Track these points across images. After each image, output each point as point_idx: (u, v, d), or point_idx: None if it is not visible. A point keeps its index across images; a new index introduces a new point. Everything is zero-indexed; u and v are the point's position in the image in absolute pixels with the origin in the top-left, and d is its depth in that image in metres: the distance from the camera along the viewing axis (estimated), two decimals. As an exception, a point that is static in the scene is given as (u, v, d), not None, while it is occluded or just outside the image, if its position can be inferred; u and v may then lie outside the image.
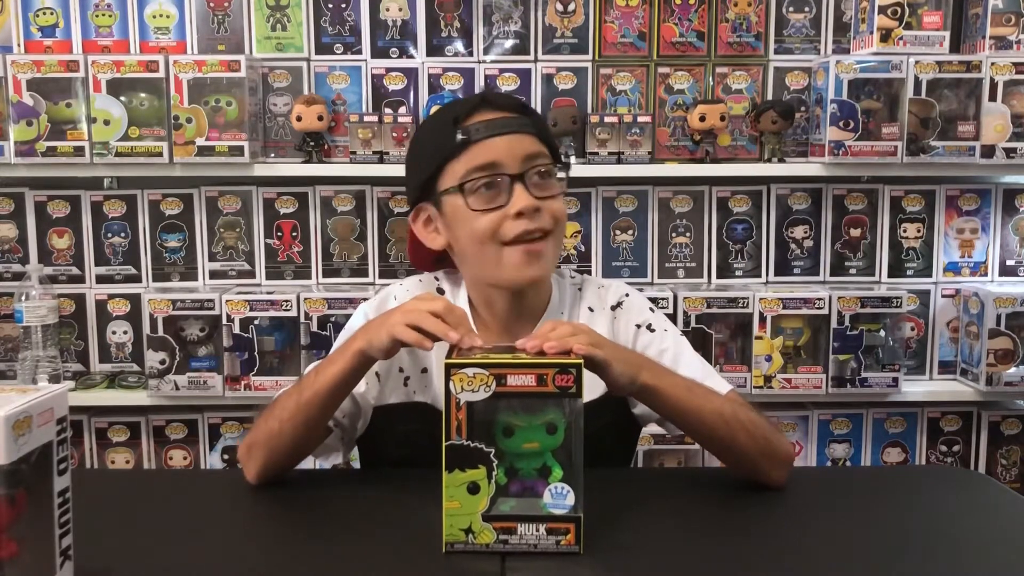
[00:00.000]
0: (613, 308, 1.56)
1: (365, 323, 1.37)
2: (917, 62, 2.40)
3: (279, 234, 2.58)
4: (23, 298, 2.39)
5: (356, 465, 1.69)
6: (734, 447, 1.35)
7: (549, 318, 1.50)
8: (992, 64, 2.41)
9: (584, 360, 1.12)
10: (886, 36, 2.40)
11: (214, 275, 2.59)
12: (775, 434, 1.39)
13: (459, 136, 1.41)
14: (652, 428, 2.38)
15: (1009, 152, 2.43)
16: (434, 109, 1.67)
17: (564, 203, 1.47)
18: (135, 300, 2.56)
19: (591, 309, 1.56)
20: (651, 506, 1.30)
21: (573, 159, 2.49)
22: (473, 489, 1.09)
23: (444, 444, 1.08)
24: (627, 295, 1.59)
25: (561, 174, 1.47)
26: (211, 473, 2.33)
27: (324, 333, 2.42)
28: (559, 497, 1.11)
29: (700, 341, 2.45)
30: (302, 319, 2.43)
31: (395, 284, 1.60)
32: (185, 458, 2.57)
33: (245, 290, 2.50)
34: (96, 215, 2.57)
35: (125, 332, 2.58)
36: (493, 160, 1.40)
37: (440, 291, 1.55)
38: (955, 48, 2.53)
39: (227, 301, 2.42)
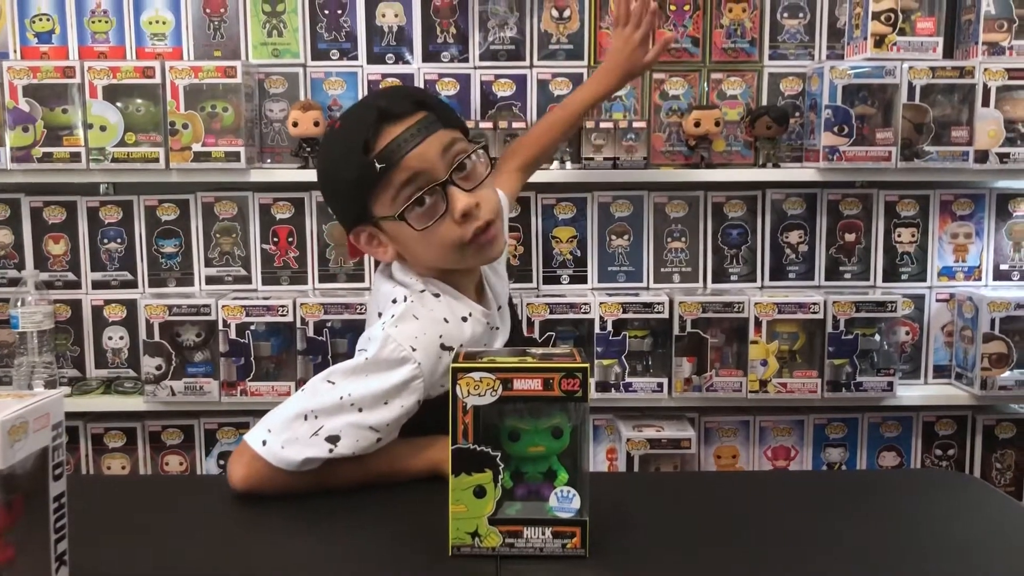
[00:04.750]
0: None
1: None
2: (911, 68, 2.38)
3: (275, 239, 2.55)
4: (19, 304, 2.36)
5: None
6: None
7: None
8: (985, 70, 2.39)
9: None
10: (880, 42, 2.39)
11: (210, 280, 2.56)
12: None
13: (377, 166, 1.37)
14: (647, 433, 2.39)
15: (1002, 157, 2.41)
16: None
17: (494, 190, 1.49)
18: (131, 306, 2.53)
19: None
20: (656, 510, 1.28)
21: (569, 164, 2.47)
22: (479, 493, 1.07)
23: (450, 448, 1.06)
24: None
25: (484, 162, 1.47)
26: (207, 479, 2.30)
27: (320, 338, 2.40)
28: (565, 501, 1.09)
29: (696, 346, 2.44)
30: (298, 324, 2.40)
31: (415, 306, 1.41)
32: (181, 464, 2.54)
33: (241, 295, 2.47)
34: (92, 221, 2.54)
35: (121, 338, 2.55)
36: (418, 171, 1.38)
37: (436, 295, 1.46)
38: (948, 54, 2.51)
39: (223, 306, 2.39)
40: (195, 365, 2.44)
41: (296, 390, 2.26)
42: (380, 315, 1.44)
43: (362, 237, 1.48)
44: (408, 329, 1.36)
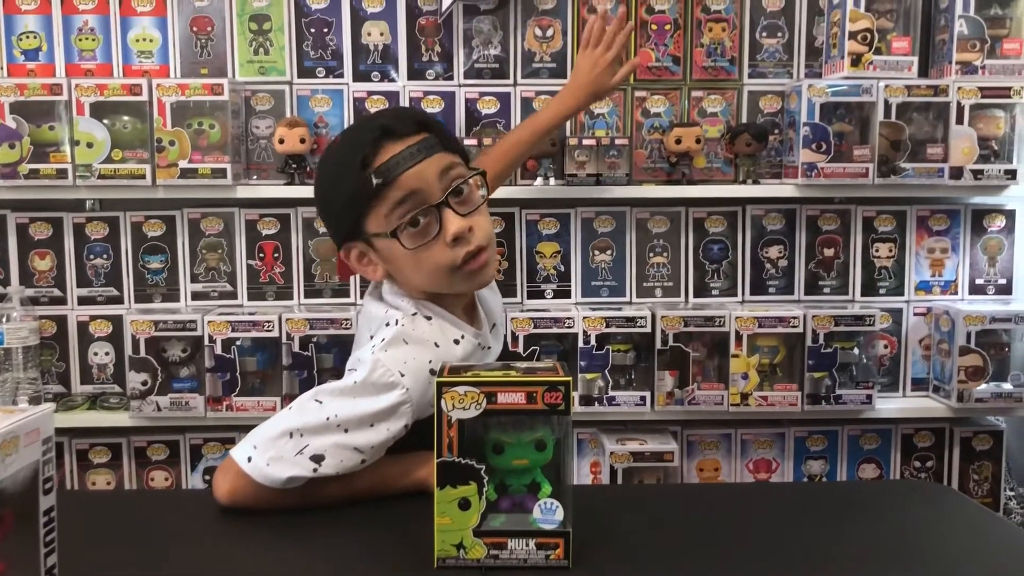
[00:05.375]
0: None
1: None
2: (887, 86, 2.41)
3: (261, 255, 2.56)
4: (4, 320, 2.36)
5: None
6: None
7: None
8: (959, 88, 2.43)
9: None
10: (856, 61, 2.42)
11: (196, 296, 2.56)
12: None
13: (374, 181, 1.36)
14: (632, 447, 2.40)
15: (976, 174, 2.45)
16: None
17: (488, 218, 1.48)
18: (117, 321, 2.52)
19: None
20: (639, 521, 1.29)
21: (552, 180, 2.48)
22: (464, 505, 1.08)
23: (435, 461, 1.07)
24: None
25: (482, 191, 1.47)
26: (193, 493, 2.29)
27: (306, 353, 2.40)
28: (548, 513, 1.10)
29: (678, 359, 2.45)
30: (284, 340, 2.40)
31: (407, 329, 1.40)
32: (167, 479, 2.53)
33: (227, 311, 2.47)
34: (78, 237, 2.54)
35: (107, 353, 2.55)
36: (413, 190, 1.38)
37: (428, 317, 1.45)
38: (923, 73, 2.55)
39: (209, 322, 2.39)
40: (181, 380, 2.44)
41: (282, 405, 2.29)
42: (371, 337, 1.43)
43: (352, 254, 1.47)
44: (398, 354, 1.36)
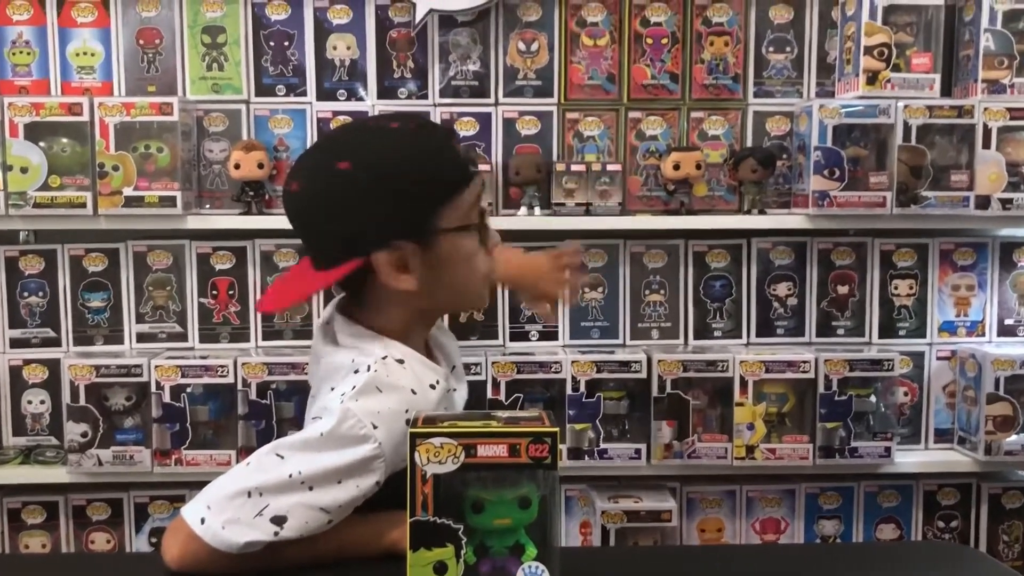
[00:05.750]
0: None
1: None
2: (906, 106, 2.44)
3: (214, 292, 2.56)
4: (-73, 364, 2.35)
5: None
6: None
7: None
8: (985, 109, 2.45)
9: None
10: (873, 78, 2.45)
11: (142, 338, 2.56)
12: None
13: (471, 169, 1.45)
14: (624, 504, 2.40)
15: (1005, 203, 2.47)
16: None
17: None
18: (54, 366, 2.52)
19: None
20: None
21: (538, 210, 2.50)
22: (440, 569, 1.08)
23: (408, 520, 1.07)
24: None
25: None
26: (137, 557, 2.27)
27: (264, 402, 2.40)
28: (533, 578, 1.10)
29: (677, 408, 2.46)
30: (240, 386, 2.40)
31: (379, 376, 1.38)
32: (108, 542, 2.52)
33: (176, 354, 2.48)
34: (11, 272, 2.54)
35: (42, 402, 2.54)
36: (481, 191, 1.48)
37: (400, 361, 1.43)
38: (946, 92, 2.57)
39: (156, 367, 2.39)
40: (125, 432, 2.43)
41: (237, 459, 2.28)
42: (332, 389, 1.40)
43: (392, 258, 1.41)
44: (370, 404, 1.34)
